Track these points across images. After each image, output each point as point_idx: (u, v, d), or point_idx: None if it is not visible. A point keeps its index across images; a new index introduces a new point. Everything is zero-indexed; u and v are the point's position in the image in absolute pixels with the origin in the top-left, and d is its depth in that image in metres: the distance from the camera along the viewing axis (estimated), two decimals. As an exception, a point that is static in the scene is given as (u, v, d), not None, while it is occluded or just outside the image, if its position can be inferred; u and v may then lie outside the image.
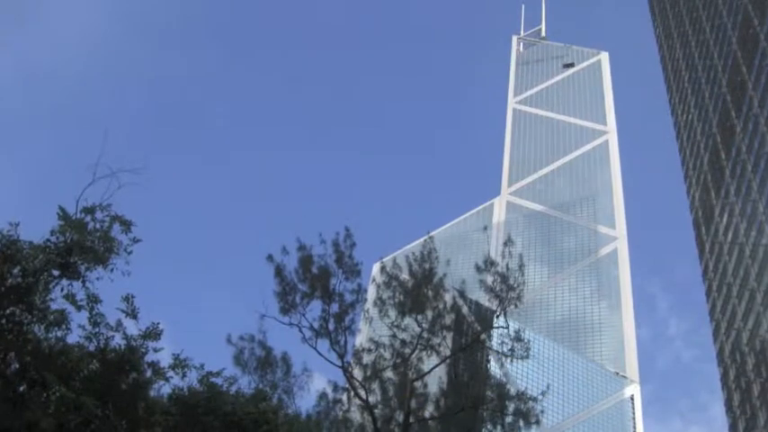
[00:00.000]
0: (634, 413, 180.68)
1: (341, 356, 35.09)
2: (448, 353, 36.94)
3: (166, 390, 24.49)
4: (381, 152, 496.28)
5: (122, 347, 22.22)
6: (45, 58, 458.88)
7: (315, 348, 35.10)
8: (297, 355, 37.60)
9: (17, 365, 20.70)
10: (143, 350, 22.59)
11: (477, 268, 36.53)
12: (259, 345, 34.83)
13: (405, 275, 37.31)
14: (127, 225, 22.35)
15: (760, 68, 78.24)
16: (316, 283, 35.45)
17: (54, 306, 21.29)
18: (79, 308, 21.72)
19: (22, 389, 20.50)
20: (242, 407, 24.82)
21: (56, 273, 21.20)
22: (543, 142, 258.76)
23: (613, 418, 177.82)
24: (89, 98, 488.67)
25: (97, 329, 22.14)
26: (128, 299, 22.71)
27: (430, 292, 36.54)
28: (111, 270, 21.94)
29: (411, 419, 34.65)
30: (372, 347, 36.80)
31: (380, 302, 36.82)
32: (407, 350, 36.11)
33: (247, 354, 34.49)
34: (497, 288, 35.86)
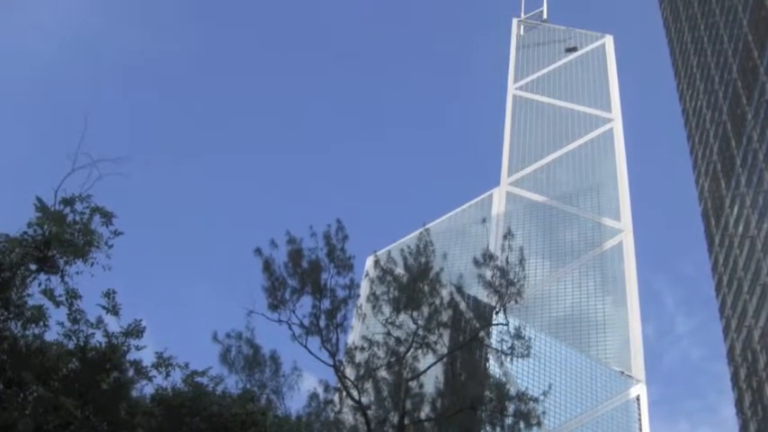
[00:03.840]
0: (640, 414, 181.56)
1: (332, 355, 35.14)
2: (445, 351, 37.02)
3: (149, 390, 24.63)
4: (375, 141, 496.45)
5: (103, 345, 22.31)
6: (24, 42, 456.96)
7: (305, 346, 35.16)
8: (286, 353, 37.76)
9: (-8, 364, 20.74)
10: (125, 348, 22.69)
11: (476, 262, 36.58)
12: (247, 343, 34.88)
13: (399, 270, 37.35)
14: (108, 217, 22.42)
15: (772, 52, 78.45)
16: (306, 277, 35.46)
17: (31, 302, 21.37)
18: (58, 304, 21.79)
19: (-2, 389, 20.56)
20: (229, 408, 24.96)
21: (33, 267, 21.26)
22: (545, 130, 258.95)
23: (618, 420, 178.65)
24: (70, 84, 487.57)
25: (77, 326, 22.24)
26: (109, 294, 22.80)
27: (426, 288, 36.56)
28: (92, 264, 22.03)
29: (406, 421, 34.74)
30: (365, 345, 36.81)
31: (374, 298, 36.85)
32: (402, 348, 36.18)
33: (234, 352, 34.54)
34: (497, 283, 35.95)
